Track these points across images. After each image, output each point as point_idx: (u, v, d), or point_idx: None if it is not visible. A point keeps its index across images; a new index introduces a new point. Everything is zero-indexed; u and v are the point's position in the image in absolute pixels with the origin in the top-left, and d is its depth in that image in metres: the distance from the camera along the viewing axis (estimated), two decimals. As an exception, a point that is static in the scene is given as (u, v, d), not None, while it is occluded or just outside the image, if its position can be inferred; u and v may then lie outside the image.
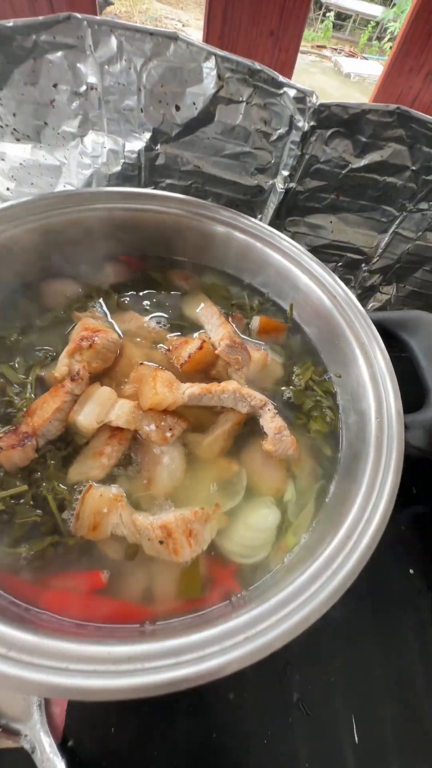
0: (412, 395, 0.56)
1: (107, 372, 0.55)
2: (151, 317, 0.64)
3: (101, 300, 0.64)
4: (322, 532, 0.46)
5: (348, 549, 0.41)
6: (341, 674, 0.58)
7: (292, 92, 0.62)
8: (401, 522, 0.73)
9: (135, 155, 0.72)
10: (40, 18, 0.58)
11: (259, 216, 0.81)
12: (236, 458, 0.53)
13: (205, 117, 0.67)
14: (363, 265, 0.88)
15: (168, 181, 0.76)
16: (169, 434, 0.49)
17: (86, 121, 0.69)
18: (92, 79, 0.64)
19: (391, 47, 0.78)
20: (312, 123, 0.64)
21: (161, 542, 0.43)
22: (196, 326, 0.64)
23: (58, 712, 0.49)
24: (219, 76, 0.62)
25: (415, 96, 0.77)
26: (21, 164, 0.74)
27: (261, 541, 0.48)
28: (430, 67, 0.73)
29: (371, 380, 0.54)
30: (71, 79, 0.64)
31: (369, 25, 10.63)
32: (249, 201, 0.78)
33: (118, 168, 0.74)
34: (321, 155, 0.70)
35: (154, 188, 0.76)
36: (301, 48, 0.72)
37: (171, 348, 0.59)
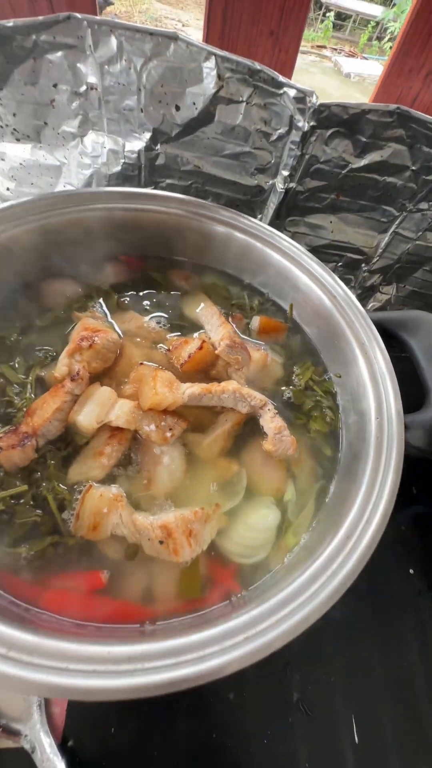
0: (412, 395, 0.56)
1: (107, 372, 0.55)
2: (151, 317, 0.64)
3: (101, 300, 0.64)
4: (322, 532, 0.46)
5: (348, 549, 0.41)
6: (341, 674, 0.58)
7: (292, 92, 0.62)
8: (401, 522, 0.73)
9: (135, 155, 0.72)
10: (40, 18, 0.58)
11: (259, 216, 0.81)
12: (236, 458, 0.53)
13: (205, 117, 0.67)
14: (363, 265, 0.88)
15: (168, 181, 0.76)
16: (169, 434, 0.49)
17: (86, 121, 0.69)
18: (92, 79, 0.64)
19: (391, 47, 0.78)
20: (312, 123, 0.64)
21: (161, 542, 0.43)
22: (196, 326, 0.64)
23: (58, 712, 0.49)
24: (219, 76, 0.62)
25: (415, 96, 0.77)
26: (21, 164, 0.74)
27: (261, 541, 0.48)
28: (430, 67, 0.73)
29: (371, 380, 0.54)
30: (71, 79, 0.64)
31: (369, 25, 10.63)
32: (249, 201, 0.78)
33: (118, 168, 0.74)
34: (321, 155, 0.70)
35: (154, 188, 0.76)
36: (301, 48, 0.72)
37: (171, 348, 0.59)
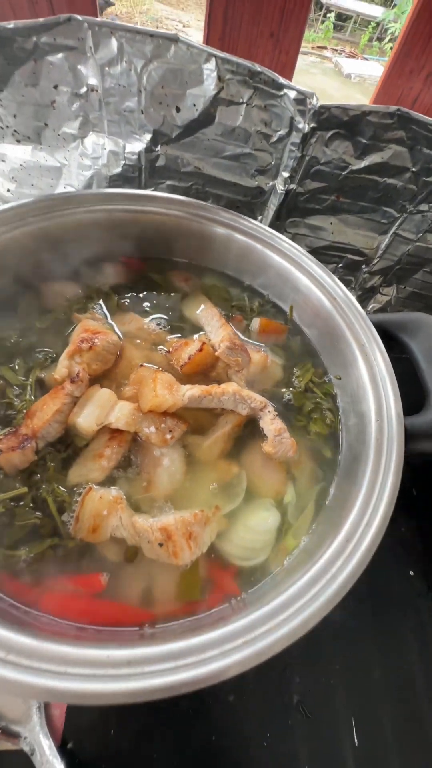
0: (412, 397, 0.56)
1: (107, 374, 0.55)
2: (151, 319, 0.64)
3: (101, 301, 0.64)
4: (322, 535, 0.46)
5: (348, 552, 0.41)
6: (341, 676, 0.58)
7: (292, 94, 0.62)
8: (401, 524, 0.73)
9: (135, 157, 0.72)
10: (41, 20, 0.58)
11: (260, 217, 0.81)
12: (236, 460, 0.53)
13: (206, 118, 0.67)
14: (363, 266, 0.88)
15: (168, 182, 0.76)
16: (169, 436, 0.49)
17: (87, 122, 0.69)
18: (93, 81, 0.64)
19: (391, 48, 0.78)
20: (312, 125, 0.64)
21: (161, 545, 0.43)
22: (196, 328, 0.64)
23: (58, 714, 0.49)
24: (219, 78, 0.62)
25: (416, 97, 0.77)
26: (21, 165, 0.74)
27: (261, 544, 0.48)
28: (431, 68, 0.73)
29: (371, 382, 0.54)
30: (72, 80, 0.64)
31: (369, 26, 10.62)
32: (249, 202, 0.78)
33: (119, 169, 0.74)
34: (321, 157, 0.70)
35: (155, 190, 0.76)
36: (301, 49, 0.72)
37: (171, 350, 0.59)
